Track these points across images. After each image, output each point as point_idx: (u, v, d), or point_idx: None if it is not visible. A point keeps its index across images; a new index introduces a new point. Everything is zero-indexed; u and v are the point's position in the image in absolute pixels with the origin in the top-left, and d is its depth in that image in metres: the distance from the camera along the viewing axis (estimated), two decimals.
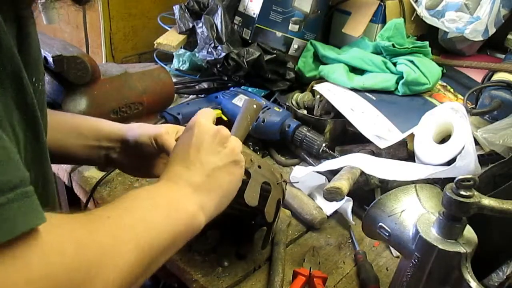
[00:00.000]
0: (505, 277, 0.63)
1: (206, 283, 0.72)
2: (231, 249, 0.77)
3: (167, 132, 0.69)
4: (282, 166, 1.03)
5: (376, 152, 0.95)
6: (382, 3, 1.18)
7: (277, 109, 1.04)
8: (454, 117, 0.90)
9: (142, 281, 0.46)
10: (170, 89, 1.06)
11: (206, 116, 0.60)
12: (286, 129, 1.01)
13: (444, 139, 0.93)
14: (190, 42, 1.22)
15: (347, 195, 0.81)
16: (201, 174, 0.55)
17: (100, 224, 0.43)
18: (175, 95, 1.14)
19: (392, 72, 1.10)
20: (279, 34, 1.18)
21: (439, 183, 0.85)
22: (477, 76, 1.22)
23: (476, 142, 0.90)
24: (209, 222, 0.56)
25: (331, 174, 0.88)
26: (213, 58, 1.10)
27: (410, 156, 0.95)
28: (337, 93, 1.07)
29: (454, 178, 0.52)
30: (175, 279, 0.76)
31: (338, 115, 1.02)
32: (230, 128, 0.75)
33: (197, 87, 1.28)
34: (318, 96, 1.10)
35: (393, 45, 1.10)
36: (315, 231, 0.85)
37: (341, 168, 0.88)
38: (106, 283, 0.39)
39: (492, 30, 1.17)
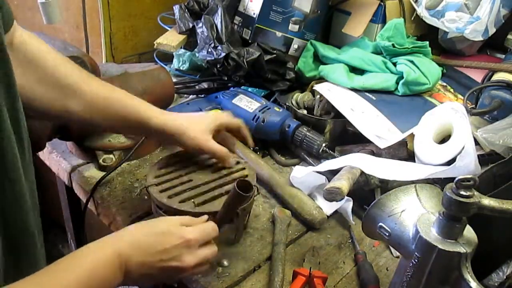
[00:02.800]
0: (505, 277, 0.63)
1: (206, 283, 0.72)
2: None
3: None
4: (282, 166, 1.03)
5: (376, 152, 0.95)
6: (382, 3, 1.18)
7: (277, 109, 1.04)
8: (454, 117, 0.90)
9: None
10: (170, 89, 1.06)
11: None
12: (286, 129, 1.01)
13: (444, 139, 0.92)
14: (190, 42, 1.22)
15: (347, 195, 0.81)
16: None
17: None
18: (175, 95, 1.14)
19: (392, 72, 1.10)
20: (279, 34, 1.18)
21: (439, 183, 0.85)
22: (477, 76, 1.22)
23: (476, 142, 0.90)
24: None
25: (331, 174, 0.88)
26: (213, 58, 1.10)
27: (410, 156, 0.95)
28: (337, 93, 1.07)
29: (454, 178, 0.51)
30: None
31: (338, 115, 1.02)
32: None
33: (197, 87, 1.28)
34: (318, 96, 1.10)
35: (393, 45, 1.10)
36: (315, 231, 0.85)
37: (341, 168, 0.88)
38: None
39: (492, 30, 1.17)
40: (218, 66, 1.11)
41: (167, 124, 0.76)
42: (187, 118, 0.79)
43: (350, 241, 0.84)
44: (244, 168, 0.82)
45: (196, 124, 0.78)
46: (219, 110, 1.08)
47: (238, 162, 0.83)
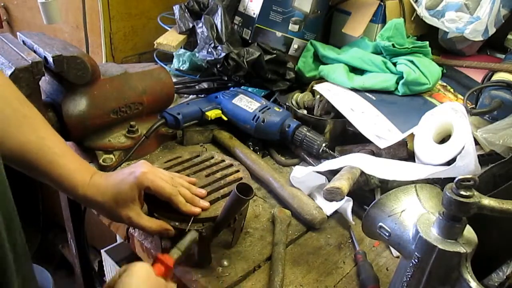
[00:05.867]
0: (505, 277, 0.63)
1: (206, 283, 0.72)
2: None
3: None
4: (282, 166, 1.03)
5: (376, 152, 0.95)
6: (382, 3, 1.18)
7: (277, 109, 1.04)
8: (454, 117, 0.90)
9: None
10: (170, 89, 1.06)
11: None
12: (286, 129, 1.01)
13: (444, 139, 0.92)
14: (190, 42, 1.22)
15: (347, 195, 0.81)
16: None
17: None
18: (175, 95, 1.14)
19: (392, 72, 1.10)
20: (279, 34, 1.18)
21: (439, 183, 0.85)
22: (477, 76, 1.22)
23: (476, 142, 0.89)
24: None
25: (331, 174, 0.88)
26: (213, 58, 1.10)
27: (410, 156, 0.95)
28: (337, 93, 1.07)
29: (454, 178, 0.51)
30: (175, 279, 0.76)
31: (338, 115, 1.02)
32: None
33: (197, 87, 1.28)
34: (318, 96, 1.10)
35: (393, 45, 1.10)
36: (315, 231, 0.85)
37: (341, 168, 0.88)
38: None
39: (492, 30, 1.17)
40: (218, 66, 1.11)
41: (94, 200, 0.70)
42: (112, 191, 0.70)
43: (350, 241, 0.84)
44: (238, 171, 0.81)
45: (122, 198, 0.69)
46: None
47: (231, 165, 0.82)
